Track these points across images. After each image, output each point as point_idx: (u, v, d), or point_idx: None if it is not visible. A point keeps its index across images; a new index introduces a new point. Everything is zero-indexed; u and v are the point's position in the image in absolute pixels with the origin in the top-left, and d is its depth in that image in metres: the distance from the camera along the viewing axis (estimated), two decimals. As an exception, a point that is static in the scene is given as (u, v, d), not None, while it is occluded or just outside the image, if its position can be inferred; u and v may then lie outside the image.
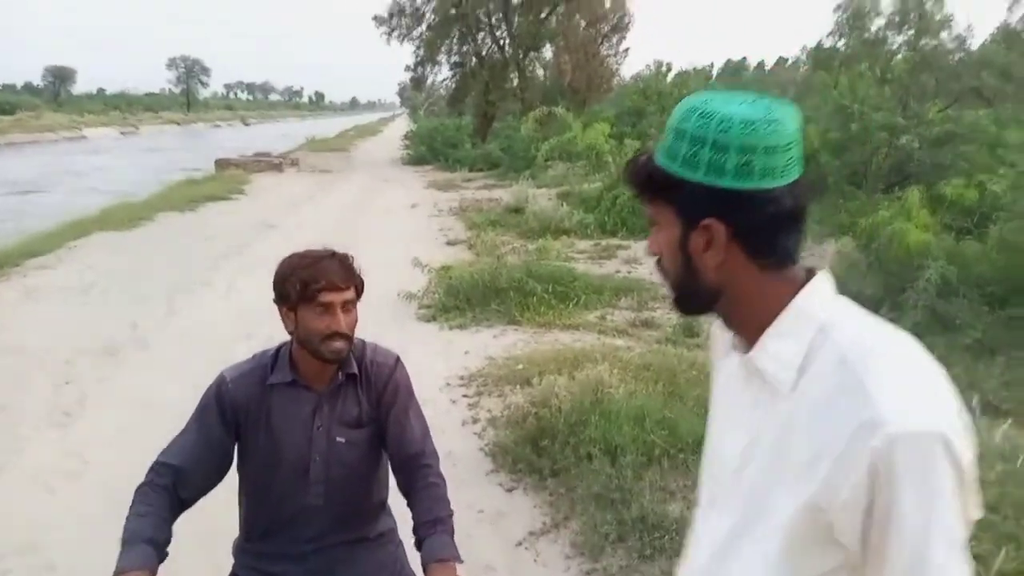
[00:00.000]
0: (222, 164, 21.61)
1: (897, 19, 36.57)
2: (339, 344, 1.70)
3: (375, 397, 1.81)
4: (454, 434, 4.49)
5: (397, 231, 11.73)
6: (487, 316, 6.80)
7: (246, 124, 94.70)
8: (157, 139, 54.60)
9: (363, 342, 1.85)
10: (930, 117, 10.58)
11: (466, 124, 29.34)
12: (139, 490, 1.68)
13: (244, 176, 19.17)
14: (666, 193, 0.97)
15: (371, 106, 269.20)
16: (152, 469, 1.71)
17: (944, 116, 11.14)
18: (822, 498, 0.88)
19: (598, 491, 3.50)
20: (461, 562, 1.65)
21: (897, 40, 35.43)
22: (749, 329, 0.99)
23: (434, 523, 1.69)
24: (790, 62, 33.71)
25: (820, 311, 0.94)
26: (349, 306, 1.73)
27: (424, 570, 1.63)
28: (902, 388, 0.86)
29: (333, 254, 1.74)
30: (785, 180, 0.92)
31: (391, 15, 27.69)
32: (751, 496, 0.99)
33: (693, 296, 1.02)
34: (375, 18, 27.92)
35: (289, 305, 1.71)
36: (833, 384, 0.89)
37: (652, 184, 0.98)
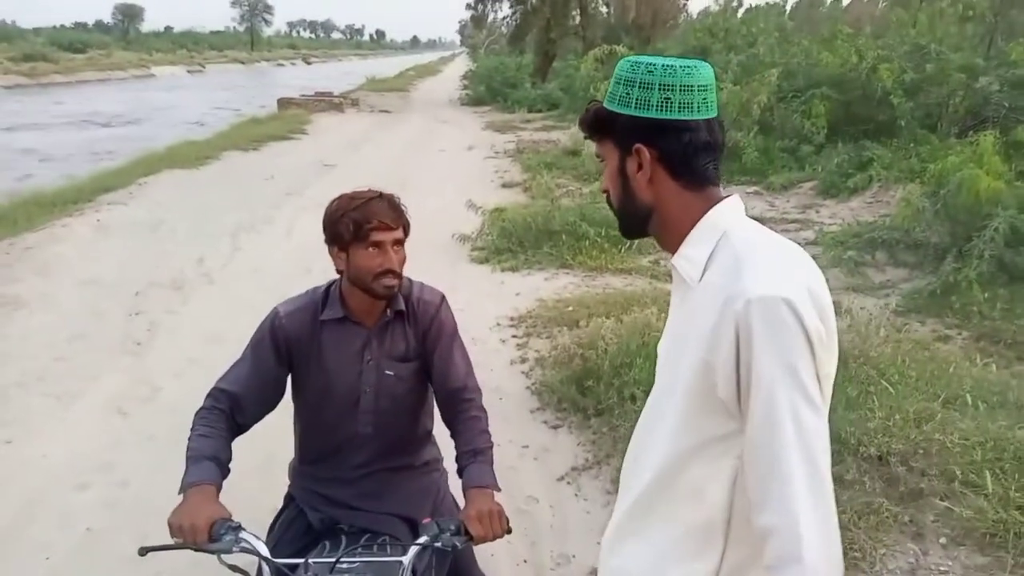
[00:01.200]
0: (284, 103, 21.85)
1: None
2: (391, 281, 1.79)
3: (421, 333, 1.90)
4: (502, 372, 4.61)
5: (453, 173, 11.77)
6: (539, 259, 6.85)
7: (308, 63, 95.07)
8: (223, 77, 55.40)
9: (410, 281, 1.94)
10: (1013, 57, 9.95)
11: (526, 63, 28.91)
12: (199, 413, 1.81)
13: (305, 116, 19.36)
14: (607, 128, 1.20)
15: (431, 45, 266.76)
16: (210, 395, 1.84)
17: (1028, 55, 10.48)
18: (709, 357, 1.08)
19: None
20: (499, 490, 1.74)
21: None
22: (674, 241, 1.21)
23: (474, 453, 1.79)
24: (868, -2, 31.91)
25: (724, 222, 1.17)
26: (398, 245, 1.81)
27: (464, 494, 1.73)
28: (765, 269, 1.07)
29: (381, 195, 1.82)
30: (701, 115, 1.15)
31: (452, -50, 27.19)
32: (667, 376, 1.22)
33: (631, 216, 1.23)
34: (436, -47, 27.46)
35: (341, 245, 1.80)
36: (723, 271, 1.11)
37: (597, 123, 1.22)
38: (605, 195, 1.28)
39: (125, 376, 4.64)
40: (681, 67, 1.14)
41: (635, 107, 1.15)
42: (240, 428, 1.85)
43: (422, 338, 1.90)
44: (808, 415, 1.03)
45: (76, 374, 4.64)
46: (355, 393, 1.88)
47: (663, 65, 1.14)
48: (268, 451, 2.97)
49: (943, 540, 2.78)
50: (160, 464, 3.50)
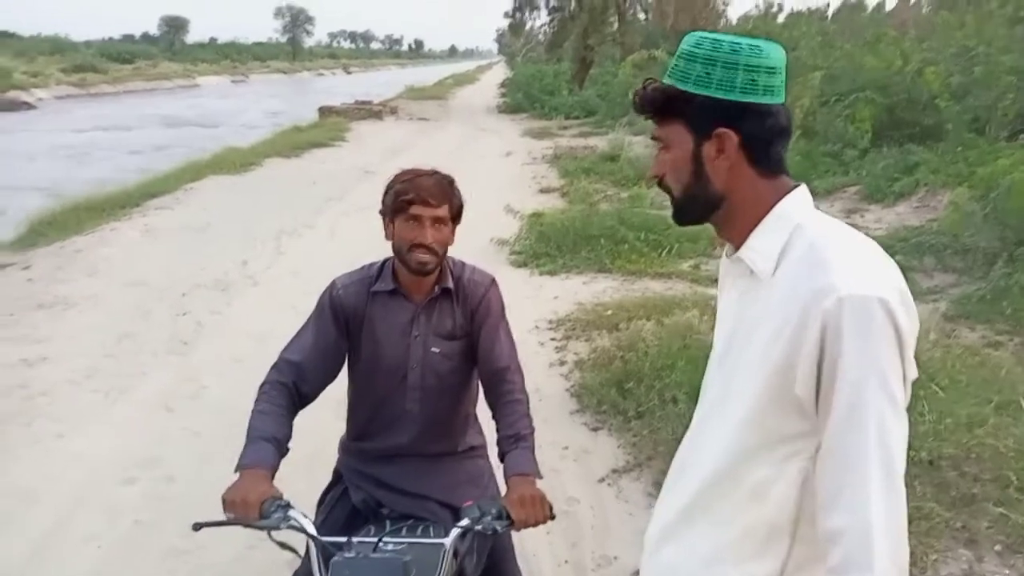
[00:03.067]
0: (325, 112, 22.16)
1: (1038, -49, 33.55)
2: (423, 256, 1.81)
3: (469, 312, 1.92)
4: (541, 374, 4.59)
5: (491, 178, 11.79)
6: (577, 263, 6.83)
7: (348, 72, 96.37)
8: (267, 87, 56.46)
9: (463, 262, 1.98)
10: (1067, 58, 9.69)
11: (563, 71, 28.92)
12: (262, 388, 1.86)
13: (345, 124, 19.62)
14: (680, 110, 1.12)
15: (469, 54, 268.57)
16: (275, 367, 1.89)
17: (1082, 58, 10.19)
18: (791, 354, 1.03)
19: (682, 433, 3.52)
20: (540, 477, 1.74)
21: (1037, -25, 32.54)
22: (741, 231, 1.14)
23: (515, 439, 1.79)
24: (912, 1, 31.36)
25: (797, 213, 1.11)
26: (440, 224, 1.83)
27: (506, 481, 1.73)
28: (853, 264, 1.03)
29: (434, 172, 1.86)
30: (779, 99, 1.11)
31: (490, -41, 27.40)
32: (730, 373, 1.15)
33: (699, 202, 1.16)
34: (474, -38, 27.69)
35: (389, 216, 1.85)
36: (800, 265, 1.06)
37: (667, 103, 1.13)
38: (656, 180, 1.20)
39: (172, 374, 4.74)
40: (767, 47, 1.09)
41: (716, 88, 1.08)
42: (303, 399, 1.89)
43: (470, 317, 1.92)
44: (892, 420, 1.00)
45: (124, 372, 4.75)
46: (402, 368, 1.91)
47: (748, 45, 1.08)
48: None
49: (998, 547, 2.70)
50: (206, 459, 3.58)
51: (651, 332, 4.21)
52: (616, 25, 27.25)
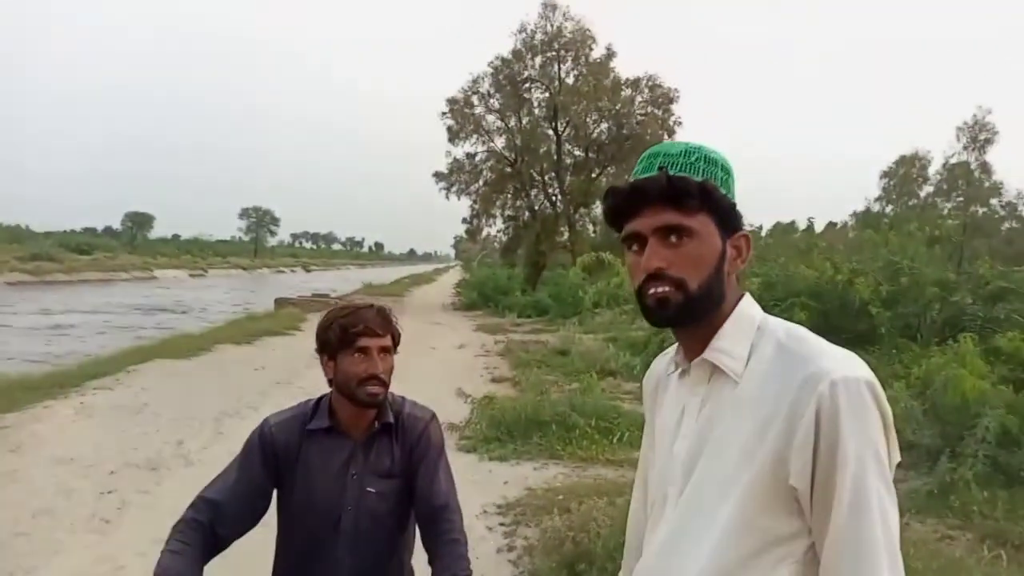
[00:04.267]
0: (281, 303, 22.41)
1: (945, 186, 37.33)
2: (375, 388, 1.77)
3: (408, 448, 1.85)
4: (488, 561, 4.36)
5: (443, 367, 11.83)
6: (528, 449, 6.71)
7: (308, 270, 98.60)
8: (226, 281, 57.17)
9: (402, 397, 1.93)
10: (981, 272, 10.50)
11: (517, 274, 30.15)
12: (176, 526, 1.72)
13: (300, 315, 19.75)
14: (714, 205, 1.11)
15: (427, 257, 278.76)
16: (192, 504, 1.77)
17: (998, 273, 11.05)
18: (781, 448, 1.02)
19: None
20: None
21: (946, 207, 35.98)
22: (705, 335, 1.14)
23: None
24: (839, 225, 34.11)
25: (757, 314, 1.15)
26: (385, 353, 1.81)
27: None
28: (835, 352, 1.06)
29: (371, 305, 1.86)
30: None
31: (450, 171, 29.34)
32: (699, 486, 1.10)
33: (709, 302, 1.12)
34: (435, 174, 29.61)
35: (329, 353, 1.81)
36: (774, 363, 1.07)
37: (708, 195, 1.10)
38: (652, 273, 1.10)
39: (88, 553, 4.37)
40: None
41: (731, 194, 1.14)
42: (219, 541, 1.75)
43: (408, 453, 1.85)
44: (889, 504, 1.01)
45: (35, 549, 4.36)
46: (336, 510, 1.80)
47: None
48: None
49: None
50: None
51: (603, 512, 4.07)
52: (567, 234, 28.87)
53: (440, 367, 11.92)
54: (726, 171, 1.14)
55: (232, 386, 9.68)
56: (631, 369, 10.92)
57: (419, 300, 32.78)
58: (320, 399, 1.90)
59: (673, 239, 1.10)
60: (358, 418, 1.84)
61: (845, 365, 1.02)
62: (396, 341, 1.88)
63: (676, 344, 1.22)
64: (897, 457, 1.06)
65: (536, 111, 28.65)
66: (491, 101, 28.64)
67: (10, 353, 15.00)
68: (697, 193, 1.09)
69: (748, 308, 1.15)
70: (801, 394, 1.01)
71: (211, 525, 1.74)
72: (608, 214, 1.16)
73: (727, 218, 1.13)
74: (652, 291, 1.10)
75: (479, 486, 5.79)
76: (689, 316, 1.12)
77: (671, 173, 1.10)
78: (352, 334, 1.79)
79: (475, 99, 28.55)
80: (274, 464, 1.83)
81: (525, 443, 6.79)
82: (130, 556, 4.30)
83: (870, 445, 0.99)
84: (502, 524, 4.97)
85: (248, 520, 1.81)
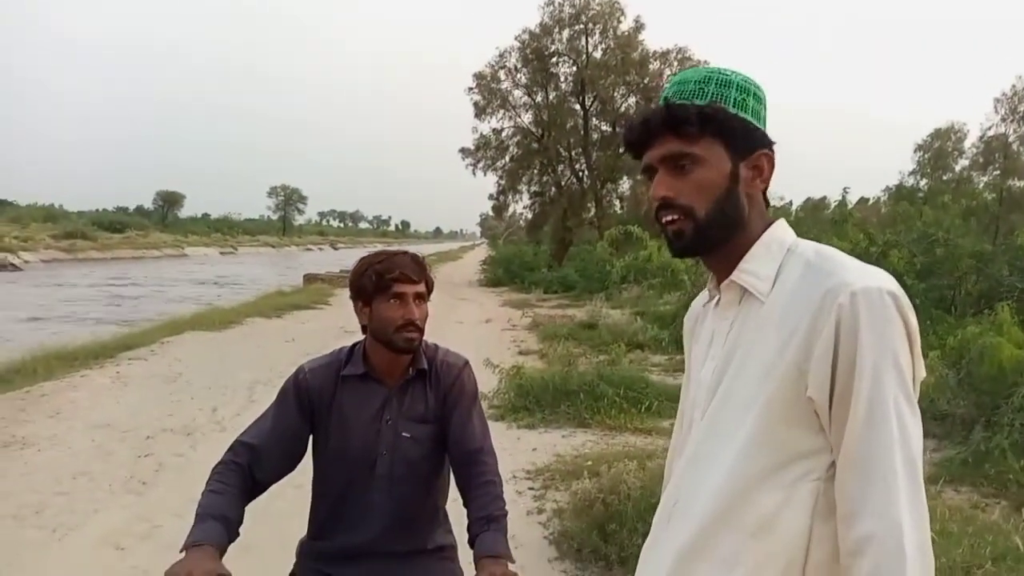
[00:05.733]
0: (309, 278, 22.62)
1: (982, 160, 36.45)
2: (412, 333, 1.77)
3: (442, 394, 1.85)
4: (518, 523, 4.37)
5: (471, 341, 11.84)
6: (556, 418, 6.73)
7: (335, 248, 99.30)
8: (255, 258, 57.84)
9: (435, 345, 1.92)
10: (1020, 243, 10.27)
11: (543, 251, 30.05)
12: (216, 468, 1.74)
13: (329, 290, 19.95)
14: (721, 128, 1.09)
15: (453, 235, 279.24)
16: (231, 448, 1.79)
17: (1035, 244, 10.81)
18: (801, 360, 1.01)
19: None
20: (513, 561, 1.61)
21: (982, 180, 35.18)
22: (733, 259, 1.13)
23: (488, 520, 1.68)
24: (872, 200, 33.50)
25: (788, 238, 1.13)
26: (420, 300, 1.81)
27: (475, 564, 1.60)
28: (858, 267, 1.04)
29: (406, 251, 1.86)
30: None
31: (477, 148, 29.23)
32: (723, 402, 1.09)
33: (724, 226, 1.12)
34: (461, 150, 29.51)
35: (364, 299, 1.81)
36: (801, 281, 1.05)
37: (710, 118, 1.09)
38: (660, 203, 1.12)
39: (126, 512, 4.46)
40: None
41: (751, 114, 1.12)
42: (257, 485, 1.77)
43: (442, 400, 1.85)
44: (908, 414, 0.98)
45: (75, 508, 4.47)
46: (372, 455, 1.81)
47: (759, 85, 1.15)
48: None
49: None
50: (151, 598, 3.29)
51: (633, 475, 4.07)
52: (593, 211, 28.69)
53: (467, 341, 11.93)
54: (743, 91, 1.11)
55: (263, 357, 9.80)
56: (659, 342, 10.87)
57: (445, 277, 32.84)
58: (354, 346, 1.90)
59: (679, 167, 1.10)
60: (392, 364, 1.84)
61: (868, 277, 1.01)
62: (430, 288, 1.87)
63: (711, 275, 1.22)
64: (922, 372, 1.03)
65: (563, 86, 28.38)
66: (518, 76, 28.40)
67: (99, 317, 16.96)
68: (696, 119, 1.08)
69: (779, 231, 1.14)
70: (822, 306, 1.00)
71: (249, 468, 1.76)
72: (626, 148, 1.19)
73: (739, 139, 1.10)
74: (665, 220, 1.13)
75: (508, 453, 5.81)
76: (704, 243, 1.13)
77: (678, 101, 1.10)
78: (388, 280, 1.78)
79: (502, 74, 28.33)
80: (309, 409, 1.84)
81: (553, 412, 6.80)
82: (167, 516, 4.38)
83: (890, 356, 0.97)
84: (531, 488, 5.00)
85: (285, 464, 1.82)
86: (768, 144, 1.13)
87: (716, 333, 1.17)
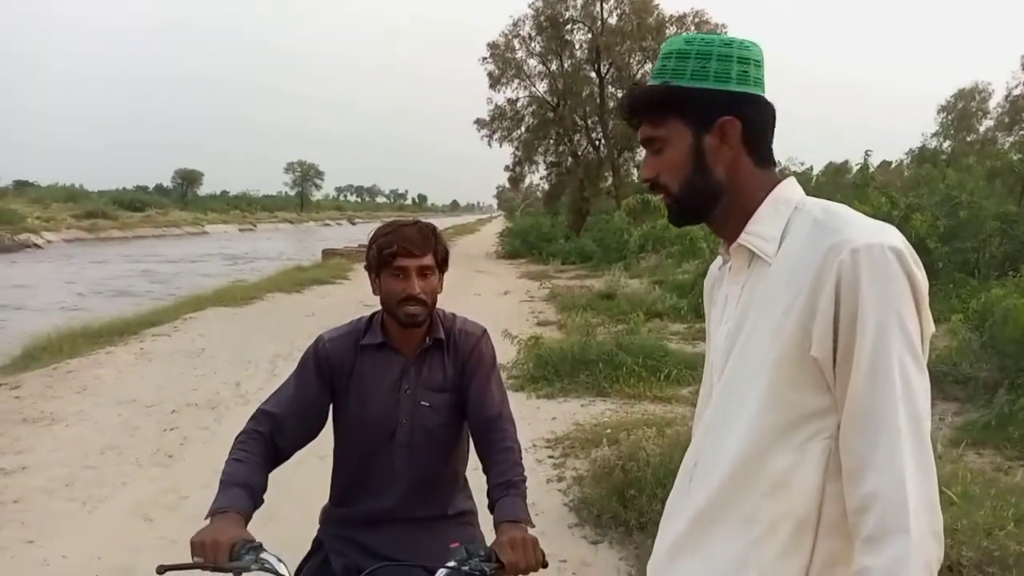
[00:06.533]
0: (328, 253, 22.73)
1: (1007, 120, 35.73)
2: (413, 308, 1.76)
3: (460, 363, 1.86)
4: (538, 491, 4.39)
5: (489, 313, 11.85)
6: (575, 387, 6.75)
7: (352, 223, 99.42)
8: (275, 234, 58.24)
9: (453, 314, 1.93)
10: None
11: (560, 222, 29.96)
12: (238, 438, 1.77)
13: (348, 264, 20.01)
14: (676, 107, 1.11)
15: (470, 208, 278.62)
16: (253, 417, 1.81)
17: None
18: (805, 320, 1.00)
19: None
20: (532, 526, 1.63)
21: (1007, 141, 34.49)
22: (738, 222, 1.13)
23: (507, 486, 1.69)
24: (894, 164, 32.98)
25: (795, 197, 1.11)
26: (427, 272, 1.79)
27: (495, 529, 1.61)
28: (863, 223, 1.02)
29: (415, 222, 1.83)
30: (764, 92, 1.12)
31: (492, 119, 29.08)
32: (737, 363, 1.10)
33: (700, 196, 1.14)
34: (477, 121, 29.36)
35: (375, 271, 1.81)
36: (807, 239, 1.04)
37: (664, 100, 1.12)
38: (648, 184, 1.18)
39: (153, 485, 4.55)
40: (750, 42, 1.12)
41: (713, 80, 1.09)
42: (279, 453, 1.80)
43: (460, 368, 1.86)
44: (914, 371, 0.97)
45: (104, 481, 4.57)
46: (391, 424, 1.83)
47: (738, 40, 1.11)
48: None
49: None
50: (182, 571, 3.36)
51: (652, 441, 4.09)
52: (611, 180, 28.50)
53: (485, 313, 11.95)
54: (703, 57, 1.09)
55: (285, 331, 9.89)
56: (678, 310, 10.84)
57: (462, 250, 32.83)
58: (373, 315, 1.91)
59: (656, 149, 1.14)
60: (407, 335, 1.85)
61: (871, 233, 0.99)
62: (442, 259, 1.84)
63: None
64: (931, 328, 1.01)
65: (578, 53, 28.09)
66: (532, 44, 28.15)
67: (140, 291, 17.99)
68: (646, 105, 1.13)
69: (786, 191, 1.12)
70: (824, 264, 0.99)
71: (271, 436, 1.78)
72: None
73: (696, 113, 1.10)
74: (659, 198, 1.19)
75: (527, 423, 5.84)
76: (689, 216, 1.17)
77: (650, 82, 1.13)
78: (388, 254, 1.77)
79: (516, 43, 28.09)
80: (329, 378, 1.85)
81: (572, 381, 6.82)
82: (194, 488, 4.46)
83: (893, 313, 0.96)
84: (551, 457, 5.04)
85: (306, 432, 1.85)
86: (733, 108, 1.09)
87: (729, 297, 1.18)
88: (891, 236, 1.00)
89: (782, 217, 1.09)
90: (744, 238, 1.12)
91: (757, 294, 1.10)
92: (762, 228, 1.10)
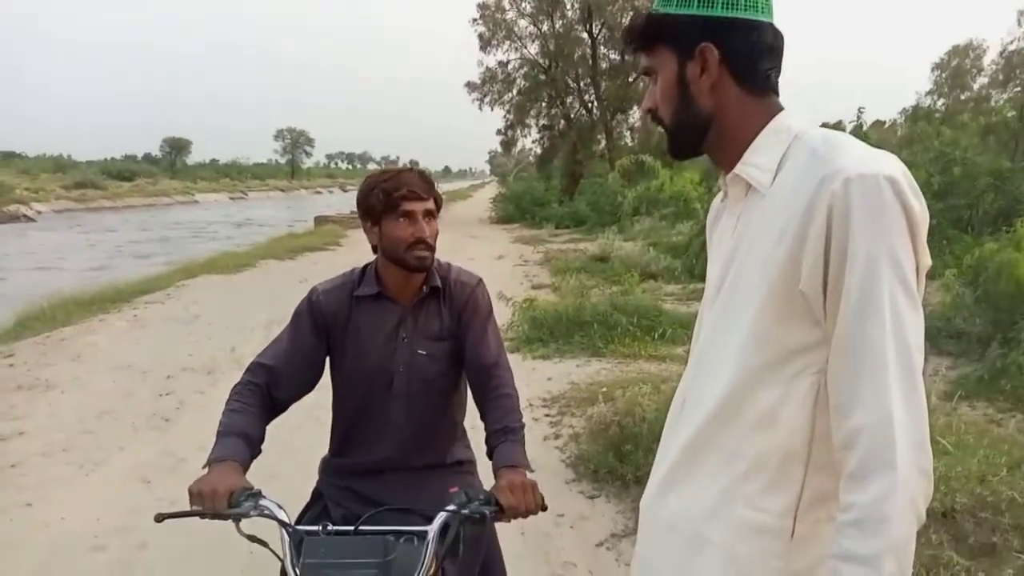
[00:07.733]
0: (320, 220, 22.61)
1: (1001, 76, 35.52)
2: (423, 251, 1.75)
3: (456, 312, 1.85)
4: (535, 448, 4.42)
5: (483, 276, 11.86)
6: (570, 348, 6.76)
7: (344, 190, 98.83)
8: (266, 203, 57.88)
9: (448, 263, 1.91)
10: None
11: (553, 186, 29.79)
12: (235, 389, 1.76)
13: (341, 231, 19.93)
14: (664, 34, 1.10)
15: (462, 174, 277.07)
16: (248, 369, 1.81)
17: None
18: (795, 251, 0.97)
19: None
20: (531, 471, 1.63)
21: (1002, 98, 34.34)
22: (734, 152, 1.10)
23: (505, 432, 1.69)
24: (888, 124, 32.83)
25: (795, 126, 1.07)
26: (430, 217, 1.79)
27: (494, 475, 1.61)
28: (861, 151, 0.98)
29: (412, 168, 1.82)
30: (765, 16, 1.07)
31: (483, 81, 28.71)
32: (728, 296, 1.08)
33: (688, 128, 1.12)
34: (467, 84, 29.00)
35: (373, 218, 1.79)
36: (803, 169, 1.00)
37: (652, 29, 1.11)
38: (649, 115, 1.17)
39: (150, 448, 4.56)
40: None
41: (698, 6, 1.06)
42: (276, 404, 1.79)
43: (457, 317, 1.85)
44: (905, 305, 0.93)
45: (101, 445, 4.58)
46: (388, 373, 1.82)
47: None
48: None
49: (1025, 599, 2.53)
50: (180, 528, 3.37)
51: (648, 397, 4.10)
52: (604, 142, 28.28)
53: (480, 275, 11.96)
54: None
55: (278, 297, 9.82)
56: (672, 271, 10.84)
57: (455, 216, 32.70)
58: (366, 267, 1.90)
59: (654, 80, 1.14)
60: (406, 283, 1.83)
61: (867, 163, 0.95)
62: (439, 205, 1.85)
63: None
64: (927, 261, 0.98)
65: (570, 13, 27.63)
66: (523, 4, 27.68)
67: (156, 256, 18.56)
68: (639, 35, 1.12)
69: (785, 120, 1.08)
70: (817, 194, 0.95)
71: (267, 387, 1.77)
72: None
73: (680, 40, 1.08)
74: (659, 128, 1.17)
75: (523, 383, 5.75)
76: (684, 148, 1.16)
77: (651, 10, 1.11)
78: (396, 198, 1.75)
79: (506, 3, 27.62)
80: (324, 330, 1.84)
81: (567, 343, 6.83)
82: (191, 450, 4.47)
83: (884, 244, 0.92)
84: (547, 415, 5.06)
85: (302, 383, 1.84)
86: (712, 33, 1.06)
87: (725, 229, 1.16)
88: (888, 165, 0.95)
89: (780, 146, 1.06)
90: (739, 168, 1.09)
91: (751, 226, 1.07)
92: (758, 158, 1.07)
